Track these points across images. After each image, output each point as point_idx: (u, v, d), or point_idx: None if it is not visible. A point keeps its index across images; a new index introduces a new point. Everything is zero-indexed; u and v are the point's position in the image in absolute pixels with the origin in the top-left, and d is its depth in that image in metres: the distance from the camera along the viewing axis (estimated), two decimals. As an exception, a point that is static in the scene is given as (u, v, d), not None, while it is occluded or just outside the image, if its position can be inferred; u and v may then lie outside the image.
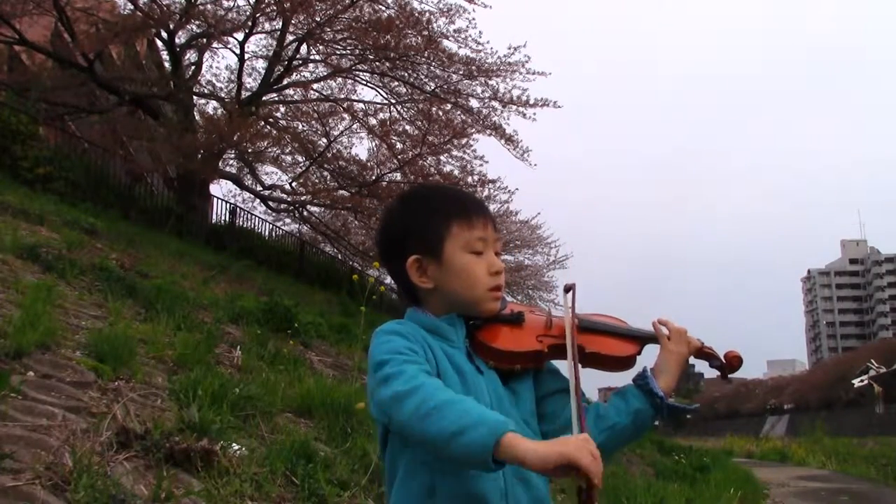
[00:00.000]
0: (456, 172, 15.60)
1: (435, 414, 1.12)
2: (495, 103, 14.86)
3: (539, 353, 1.38)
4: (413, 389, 1.16)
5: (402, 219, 1.42)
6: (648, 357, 1.47)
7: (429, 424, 1.12)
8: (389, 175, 16.07)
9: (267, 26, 14.97)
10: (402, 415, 1.15)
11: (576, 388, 1.29)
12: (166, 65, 16.23)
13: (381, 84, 15.87)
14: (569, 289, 1.44)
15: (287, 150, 16.22)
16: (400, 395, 1.16)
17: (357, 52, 15.14)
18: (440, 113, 15.19)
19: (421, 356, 1.27)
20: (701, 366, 1.56)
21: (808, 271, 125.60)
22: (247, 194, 17.72)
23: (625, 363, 1.42)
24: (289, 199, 17.07)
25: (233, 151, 15.31)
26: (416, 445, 1.22)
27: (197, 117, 15.44)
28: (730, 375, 1.49)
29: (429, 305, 1.39)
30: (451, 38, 14.41)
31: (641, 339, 1.45)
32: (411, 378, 1.19)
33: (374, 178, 15.99)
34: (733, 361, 1.46)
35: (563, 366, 1.43)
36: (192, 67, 15.53)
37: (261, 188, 17.28)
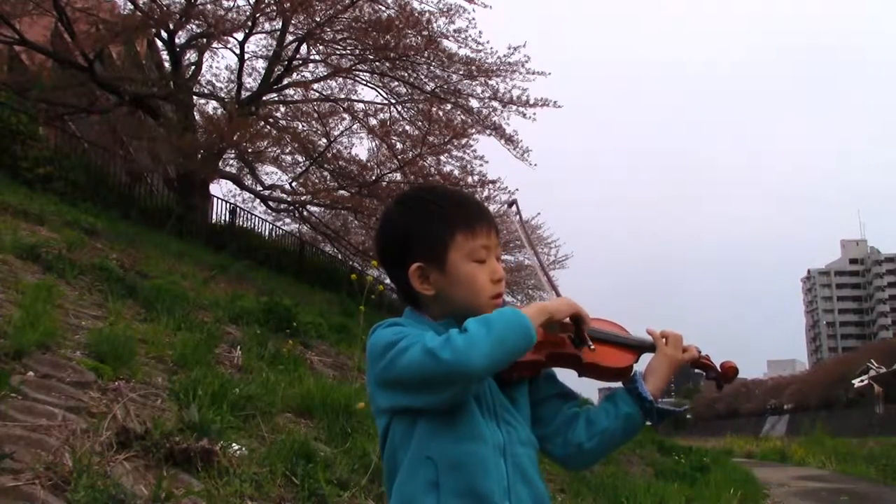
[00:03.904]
0: (456, 173, 15.62)
1: (473, 338, 1.20)
2: (495, 103, 14.89)
3: (537, 362, 1.38)
4: (445, 340, 1.21)
5: (402, 224, 1.40)
6: (642, 362, 1.47)
7: (478, 348, 1.19)
8: (389, 175, 16.07)
9: (267, 26, 15.00)
10: (446, 362, 1.18)
11: (545, 270, 1.60)
12: (166, 65, 16.25)
13: (381, 84, 15.88)
14: (511, 203, 1.66)
15: (287, 150, 16.23)
16: (434, 350, 1.19)
17: (357, 52, 15.15)
18: (440, 113, 15.20)
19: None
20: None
21: (808, 271, 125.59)
22: (247, 194, 17.75)
23: (622, 374, 1.43)
24: (289, 199, 17.07)
25: (233, 151, 15.31)
26: (470, 383, 1.23)
27: (197, 117, 15.45)
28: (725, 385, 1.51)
29: (428, 310, 1.39)
30: (451, 38, 14.43)
31: (639, 348, 1.46)
32: (433, 337, 1.22)
33: (374, 178, 15.99)
34: (729, 372, 1.47)
35: (560, 371, 1.45)
36: (192, 67, 15.53)
37: (261, 188, 17.29)
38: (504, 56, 14.50)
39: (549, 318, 1.30)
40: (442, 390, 1.22)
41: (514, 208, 1.62)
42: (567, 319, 1.33)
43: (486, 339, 1.19)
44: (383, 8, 14.32)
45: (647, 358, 1.46)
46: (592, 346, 1.32)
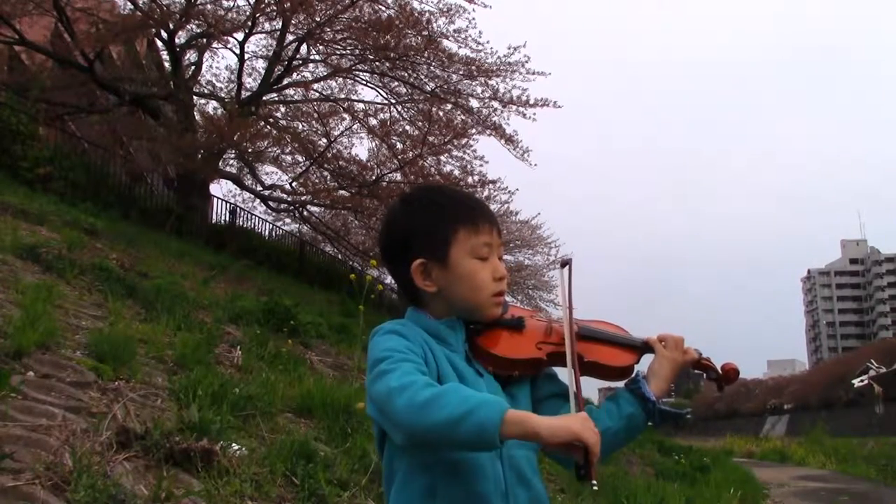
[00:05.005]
0: (456, 173, 15.61)
1: (434, 403, 1.12)
2: (495, 103, 14.87)
3: (538, 360, 1.38)
4: (407, 385, 1.16)
5: (406, 221, 1.41)
6: (644, 363, 1.47)
7: (430, 413, 1.12)
8: (390, 175, 16.06)
9: (267, 26, 14.98)
10: (397, 409, 1.15)
11: (575, 372, 1.32)
12: (166, 65, 16.23)
13: (381, 84, 15.87)
14: (565, 264, 1.47)
15: (287, 150, 16.22)
16: (393, 391, 1.16)
17: (357, 52, 15.14)
18: (440, 113, 15.18)
19: (419, 356, 1.27)
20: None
21: (808, 271, 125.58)
22: (247, 194, 17.76)
23: (623, 373, 1.42)
24: (289, 199, 17.06)
25: (233, 151, 15.30)
26: (411, 445, 1.18)
27: (197, 117, 15.44)
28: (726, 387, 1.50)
29: (430, 308, 1.39)
30: (451, 38, 14.41)
31: (640, 348, 1.45)
32: (405, 374, 1.19)
33: (374, 178, 15.98)
34: (730, 374, 1.46)
35: (561, 371, 1.44)
36: (192, 67, 15.53)
37: (261, 188, 17.29)
38: (504, 56, 14.50)
39: (534, 437, 1.12)
40: (392, 429, 1.19)
41: (566, 269, 1.45)
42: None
43: (442, 412, 1.11)
44: (383, 8, 14.31)
45: (647, 360, 1.46)
46: (595, 485, 1.13)
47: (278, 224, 20.75)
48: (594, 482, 1.13)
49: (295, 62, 15.53)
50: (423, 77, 15.16)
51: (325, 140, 16.43)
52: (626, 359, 1.43)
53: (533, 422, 1.12)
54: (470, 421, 1.10)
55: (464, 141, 15.23)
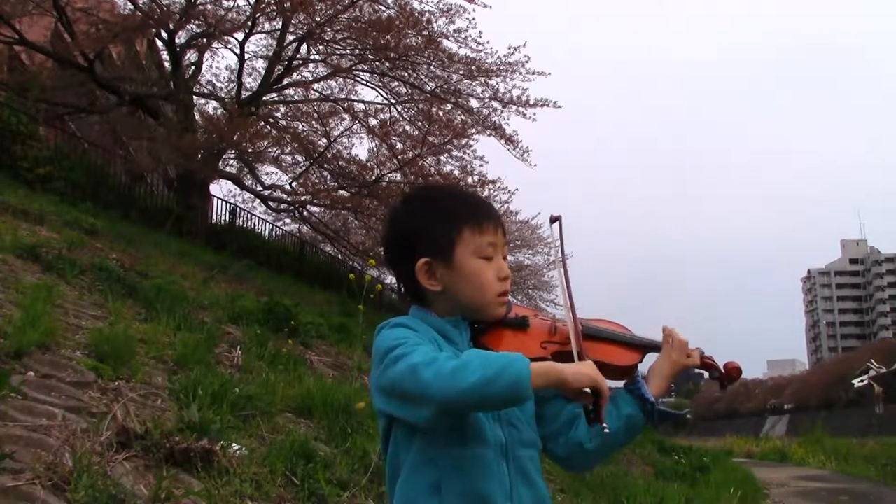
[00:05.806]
0: (456, 173, 15.60)
1: (464, 368, 1.15)
2: (495, 103, 14.86)
3: (543, 360, 1.38)
4: (431, 360, 1.18)
5: (411, 220, 1.41)
6: (645, 362, 1.47)
7: (463, 377, 1.14)
8: (389, 175, 16.06)
9: (267, 26, 14.98)
10: (425, 381, 1.15)
11: (574, 325, 1.36)
12: (166, 65, 16.23)
13: (381, 84, 15.87)
14: (555, 220, 1.49)
15: (287, 150, 16.22)
16: (418, 366, 1.17)
17: (357, 52, 15.13)
18: (440, 113, 15.18)
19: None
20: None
21: (808, 271, 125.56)
22: (247, 194, 17.76)
23: (626, 372, 1.42)
24: (289, 199, 17.06)
25: (233, 151, 15.30)
26: (440, 414, 1.17)
27: (197, 117, 15.44)
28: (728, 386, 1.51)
29: (434, 307, 1.39)
30: (451, 38, 14.40)
31: (644, 347, 1.46)
32: (427, 353, 1.21)
33: (374, 178, 15.98)
34: (733, 372, 1.47)
35: None
36: (192, 67, 15.52)
37: (261, 188, 17.29)
38: (504, 56, 14.49)
39: (562, 383, 1.19)
40: (417, 408, 1.19)
41: (556, 226, 1.49)
42: (587, 389, 1.22)
43: (474, 375, 1.13)
44: (383, 8, 14.31)
45: (650, 360, 1.46)
46: (607, 428, 1.24)
47: (278, 224, 20.77)
48: (605, 425, 1.23)
49: (295, 62, 15.53)
50: (423, 77, 15.15)
51: (325, 140, 16.44)
52: (631, 358, 1.43)
53: (557, 368, 1.21)
54: (506, 375, 1.14)
55: (464, 141, 15.24)
